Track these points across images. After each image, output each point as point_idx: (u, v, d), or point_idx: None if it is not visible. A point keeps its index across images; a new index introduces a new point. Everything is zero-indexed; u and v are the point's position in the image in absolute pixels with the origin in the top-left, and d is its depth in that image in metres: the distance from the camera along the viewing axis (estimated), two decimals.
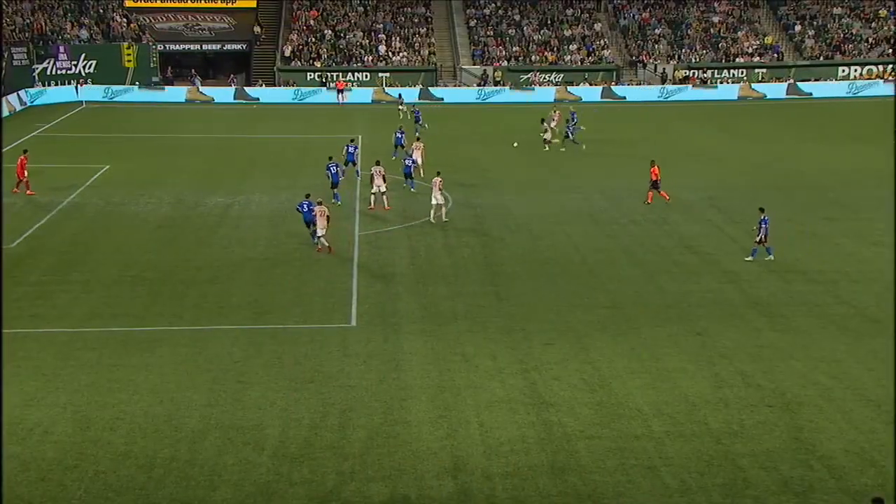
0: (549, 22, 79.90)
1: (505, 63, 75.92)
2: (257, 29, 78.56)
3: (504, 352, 23.75)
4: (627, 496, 17.38)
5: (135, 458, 18.31)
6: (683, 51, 78.16)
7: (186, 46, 79.29)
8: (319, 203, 32.17)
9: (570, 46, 77.77)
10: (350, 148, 42.40)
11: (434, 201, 35.87)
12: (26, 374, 21.91)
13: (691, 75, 76.26)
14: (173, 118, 60.79)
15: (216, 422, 19.82)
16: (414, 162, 40.49)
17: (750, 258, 31.14)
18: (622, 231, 34.98)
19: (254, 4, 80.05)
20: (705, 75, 76.49)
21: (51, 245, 32.67)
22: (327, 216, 31.74)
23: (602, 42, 78.37)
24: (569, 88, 72.31)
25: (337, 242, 33.30)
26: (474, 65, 75.74)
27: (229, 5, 79.36)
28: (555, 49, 77.51)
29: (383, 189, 37.30)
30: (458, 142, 52.36)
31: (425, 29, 78.75)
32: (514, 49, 77.34)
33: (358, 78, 74.08)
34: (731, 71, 77.12)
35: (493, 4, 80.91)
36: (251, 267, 30.63)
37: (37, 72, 67.61)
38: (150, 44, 73.91)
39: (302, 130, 51.16)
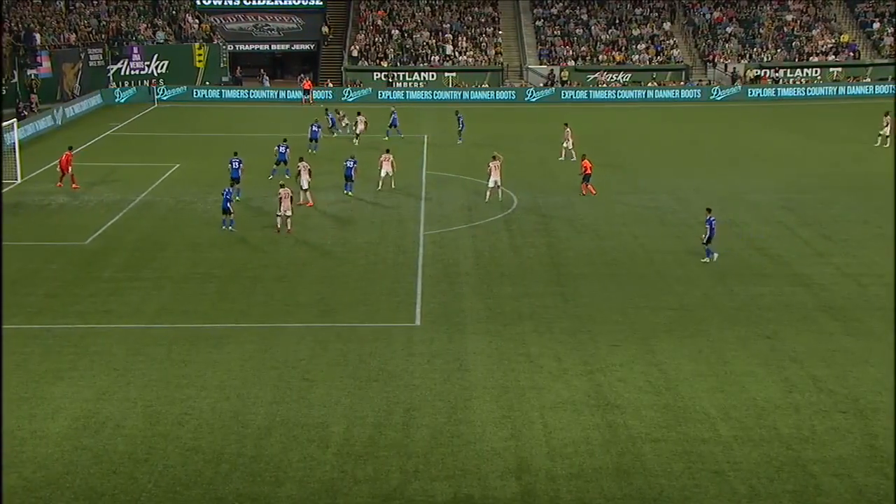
0: (617, 21, 79.26)
1: (572, 63, 75.50)
2: (325, 29, 79.28)
3: (569, 353, 23.63)
4: (694, 501, 17.18)
5: (202, 453, 18.62)
6: (755, 50, 76.91)
7: (255, 46, 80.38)
8: (283, 186, 34.39)
9: (639, 46, 77.06)
10: (281, 148, 42.61)
11: (491, 183, 37.71)
12: (99, 368, 22.42)
13: (763, 75, 75.01)
14: (242, 117, 61.63)
15: (282, 419, 20.05)
16: (355, 163, 39.97)
17: (706, 259, 30.92)
18: (690, 232, 34.56)
19: (322, 4, 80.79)
20: (777, 74, 75.17)
21: (123, 242, 33.37)
22: (291, 197, 33.95)
23: (671, 41, 77.48)
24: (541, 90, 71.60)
25: (402, 242, 33.50)
26: (541, 65, 75.46)
27: (298, 5, 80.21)
28: (623, 49, 76.86)
29: (391, 172, 40.13)
30: (524, 142, 52.20)
31: (492, 29, 78.69)
32: (581, 49, 76.89)
33: (424, 78, 74.32)
34: (805, 70, 75.66)
35: (561, 4, 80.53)
36: (317, 265, 30.93)
37: (111, 72, 69.12)
38: (221, 44, 75.07)
39: (368, 129, 51.46)
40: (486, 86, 72.98)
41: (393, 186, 40.96)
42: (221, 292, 28.28)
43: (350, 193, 39.83)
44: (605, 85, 73.48)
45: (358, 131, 50.95)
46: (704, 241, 31.01)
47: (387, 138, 49.46)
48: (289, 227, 33.91)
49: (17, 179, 41.71)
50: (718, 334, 24.82)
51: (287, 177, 40.84)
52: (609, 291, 28.31)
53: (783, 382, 21.84)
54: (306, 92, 69.72)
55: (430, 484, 17.66)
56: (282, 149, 42.56)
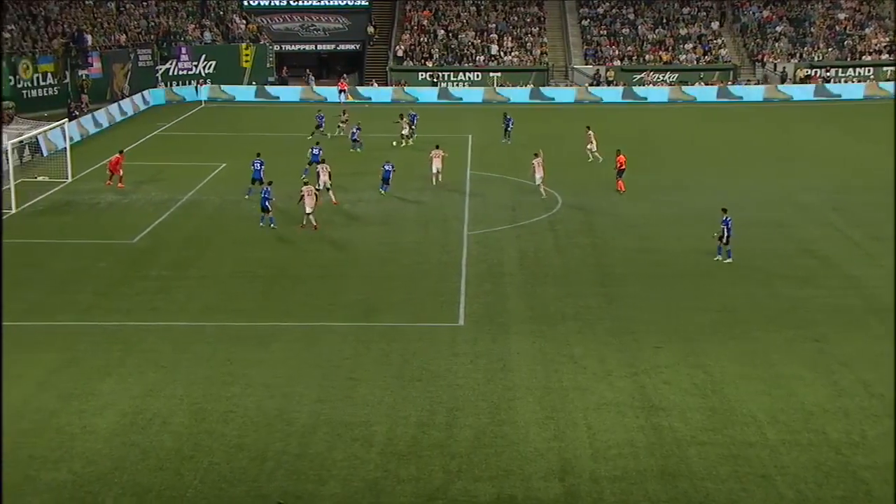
0: (664, 21, 78.61)
1: (618, 63, 75.05)
2: (371, 29, 79.57)
3: (613, 354, 23.51)
4: None
5: (247, 450, 18.80)
6: (805, 49, 75.86)
7: (301, 47, 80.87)
8: (306, 184, 35.38)
9: (686, 45, 76.38)
10: (315, 150, 42.56)
11: (537, 181, 38.70)
12: (146, 365, 22.73)
13: (813, 74, 73.96)
14: (288, 117, 62.04)
15: (326, 417, 20.18)
16: (393, 168, 40.40)
17: (718, 258, 30.79)
18: (738, 233, 34.16)
19: (368, 5, 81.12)
20: (828, 74, 74.08)
21: (170, 241, 33.79)
22: (316, 195, 34.76)
23: (719, 41, 76.70)
24: (590, 89, 70.96)
25: (446, 242, 33.55)
26: (586, 64, 75.10)
27: (344, 5, 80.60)
28: (670, 48, 76.24)
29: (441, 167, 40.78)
30: (567, 142, 51.90)
31: (538, 29, 78.45)
32: (627, 49, 76.40)
33: (469, 78, 74.30)
34: (857, 69, 74.45)
35: (608, 3, 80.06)
36: (361, 265, 31.07)
37: (160, 72, 69.96)
38: (267, 44, 75.66)
39: (442, 129, 51.59)
40: (532, 85, 72.79)
41: (440, 180, 41.47)
42: (266, 291, 28.52)
43: (383, 192, 40.10)
44: (651, 85, 72.95)
45: (404, 133, 50.69)
46: (724, 241, 30.77)
47: (358, 150, 49.19)
48: (314, 224, 34.28)
49: (67, 178, 42.38)
50: (765, 337, 24.55)
51: (304, 177, 41.25)
52: (653, 292, 28.12)
53: (832, 386, 21.55)
54: (341, 92, 70.04)
55: (473, 484, 17.68)
56: (315, 151, 42.81)
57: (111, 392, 21.22)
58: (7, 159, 39.22)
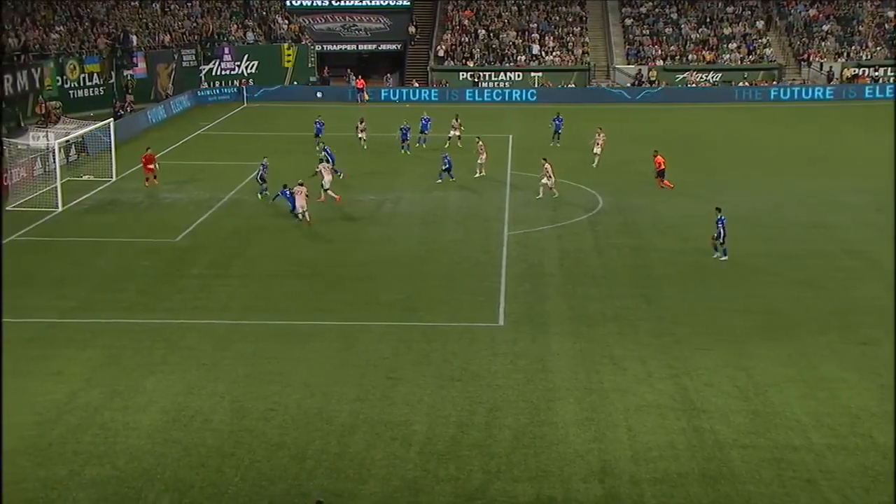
0: (708, 20, 77.90)
1: (660, 62, 74.50)
2: (412, 29, 79.70)
3: (654, 355, 23.35)
4: None
5: (287, 448, 18.90)
6: (853, 48, 74.76)
7: (343, 47, 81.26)
8: (301, 184, 35.49)
9: (730, 45, 75.63)
10: (327, 149, 42.63)
11: (546, 181, 38.91)
12: (188, 363, 22.95)
13: (861, 73, 72.88)
14: (329, 117, 62.33)
15: (365, 416, 20.24)
16: (450, 163, 41.69)
17: (716, 255, 30.73)
18: (780, 235, 33.86)
19: (409, 5, 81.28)
20: (876, 74, 72.94)
21: (212, 239, 34.09)
22: (305, 195, 35.24)
23: (764, 40, 75.83)
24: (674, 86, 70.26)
25: (486, 242, 33.54)
26: (628, 64, 74.65)
27: (385, 5, 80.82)
28: (713, 48, 75.52)
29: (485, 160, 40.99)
30: (609, 142, 51.55)
31: (579, 28, 78.11)
32: (670, 48, 75.81)
33: (510, 77, 74.18)
34: None
35: (651, 3, 79.51)
36: (401, 264, 31.13)
37: (203, 72, 70.61)
38: (309, 44, 76.08)
39: (448, 129, 51.61)
40: (573, 85, 72.51)
41: (483, 173, 42.29)
42: (306, 290, 28.67)
43: (439, 181, 41.14)
44: (694, 85, 72.33)
45: (454, 134, 50.38)
46: (720, 241, 30.63)
47: (407, 152, 49.05)
48: (307, 219, 34.98)
49: (112, 178, 42.91)
50: (809, 339, 24.24)
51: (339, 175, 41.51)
52: (694, 294, 27.89)
53: (878, 390, 21.22)
54: (359, 91, 70.20)
55: (512, 485, 17.65)
56: (327, 150, 43.07)
57: (154, 389, 21.44)
58: (54, 158, 39.80)
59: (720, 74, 73.16)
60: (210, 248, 32.97)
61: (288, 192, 35.90)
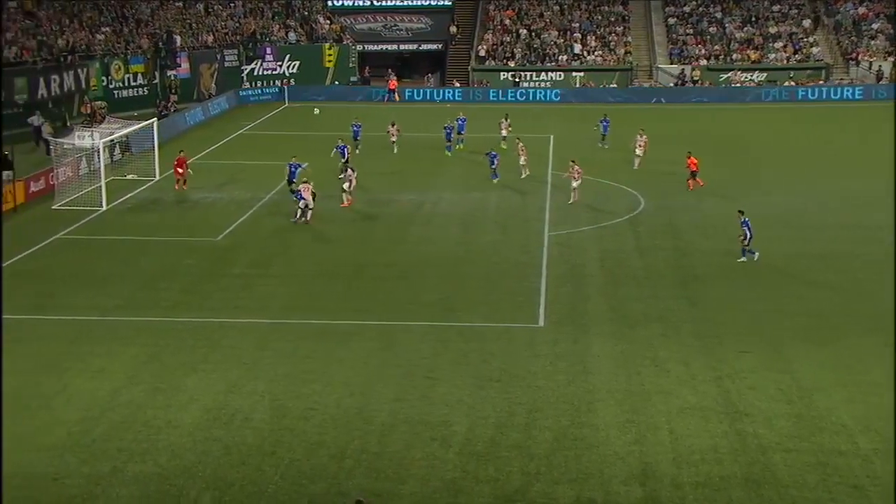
0: (753, 19, 77.07)
1: (704, 62, 73.85)
2: (453, 29, 79.73)
3: (696, 358, 23.15)
4: None
5: (327, 448, 18.98)
6: None
7: (384, 46, 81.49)
8: (305, 181, 35.58)
9: (776, 44, 74.75)
10: (292, 167, 40.54)
11: (575, 184, 38.19)
12: (229, 362, 23.12)
13: None
14: (370, 117, 62.56)
15: (404, 416, 20.27)
16: (497, 157, 42.01)
17: (743, 259, 30.24)
18: (827, 236, 33.41)
19: (450, 4, 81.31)
20: None
21: (253, 239, 34.33)
22: (312, 192, 35.24)
23: (811, 39, 74.83)
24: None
25: (527, 242, 33.46)
26: (671, 64, 74.09)
27: (426, 5, 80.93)
28: (758, 47, 74.70)
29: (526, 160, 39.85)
30: (651, 143, 51.24)
31: (622, 28, 77.68)
32: (714, 47, 75.12)
33: (551, 77, 73.96)
34: None
35: (694, 2, 78.85)
36: (440, 264, 31.14)
37: (245, 72, 71.13)
38: (350, 44, 76.38)
39: (491, 129, 51.52)
40: (615, 85, 72.11)
41: (528, 173, 42.46)
42: (346, 289, 28.78)
43: (496, 180, 41.44)
44: (738, 84, 71.59)
45: (504, 134, 50.00)
46: (746, 243, 30.24)
47: (453, 152, 48.77)
48: (307, 219, 35.09)
49: (155, 177, 43.37)
50: (856, 342, 23.90)
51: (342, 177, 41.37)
52: (738, 296, 27.61)
53: None
54: (391, 91, 70.23)
55: (552, 487, 17.57)
56: (292, 167, 43.09)
57: (195, 387, 21.63)
58: (99, 158, 40.32)
59: (765, 74, 72.32)
60: (251, 248, 33.21)
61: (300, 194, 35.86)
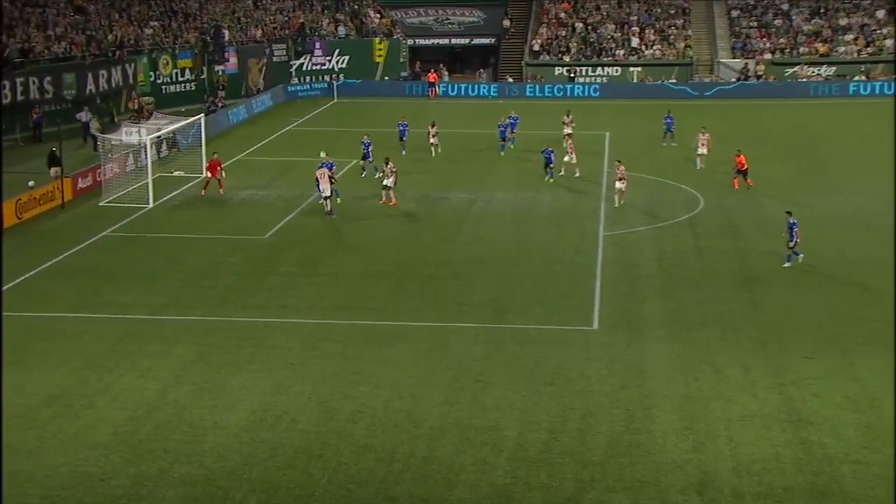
0: (822, 11, 75.84)
1: (768, 56, 72.87)
2: (506, 23, 79.59)
3: (758, 363, 22.89)
4: None
5: (375, 451, 19.06)
6: None
7: (435, 41, 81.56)
8: (320, 167, 35.95)
9: (846, 36, 73.46)
10: (366, 142, 42.80)
11: (620, 186, 37.14)
12: (276, 362, 23.34)
13: None
14: (419, 112, 62.72)
15: (454, 420, 20.29)
16: (552, 152, 41.76)
17: (788, 264, 29.59)
18: (892, 238, 32.76)
19: None
20: None
21: (300, 237, 34.60)
22: (328, 177, 35.71)
23: (884, 31, 73.34)
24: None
25: (581, 242, 33.32)
26: (734, 58, 73.23)
27: None
28: (827, 40, 73.48)
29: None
30: (715, 139, 50.73)
31: (682, 21, 76.95)
32: (779, 41, 74.09)
33: (608, 73, 73.54)
34: None
35: None
36: (492, 265, 31.13)
37: (294, 67, 71.68)
38: (400, 38, 76.63)
39: (546, 126, 51.38)
40: (674, 80, 71.46)
41: (578, 174, 42.15)
42: (395, 289, 28.89)
43: (551, 180, 41.12)
44: (804, 79, 70.51)
45: (566, 132, 49.46)
46: (791, 247, 29.75)
47: (503, 153, 48.39)
48: (328, 209, 35.69)
49: (202, 174, 43.79)
50: None
51: (363, 176, 41.50)
52: (802, 299, 27.24)
53: None
54: (431, 85, 70.17)
55: (606, 495, 17.49)
56: (366, 143, 43.15)
57: (241, 388, 21.86)
58: (146, 154, 40.91)
59: (834, 68, 71.12)
60: (298, 246, 33.48)
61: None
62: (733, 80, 71.29)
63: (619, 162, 38.01)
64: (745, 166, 39.73)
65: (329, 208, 35.86)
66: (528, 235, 34.47)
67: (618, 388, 21.74)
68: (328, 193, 35.88)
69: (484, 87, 71.88)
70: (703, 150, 44.30)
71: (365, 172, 42.71)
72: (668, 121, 50.26)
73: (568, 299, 27.75)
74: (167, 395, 21.44)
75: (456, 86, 72.48)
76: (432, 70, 73.00)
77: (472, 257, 31.95)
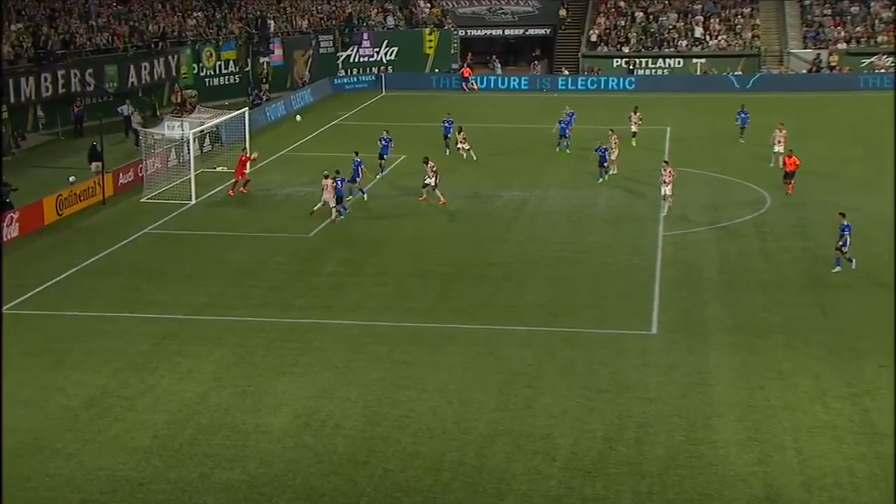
0: None
1: (843, 45, 71.74)
2: (562, 12, 79.36)
3: (828, 372, 22.59)
4: None
5: (422, 458, 19.10)
6: None
7: (488, 31, 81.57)
8: (326, 176, 35.27)
9: None
10: (384, 140, 42.85)
11: (665, 191, 35.80)
12: (320, 365, 23.48)
13: None
14: (471, 106, 62.73)
15: (505, 427, 20.26)
16: (606, 150, 41.31)
17: (837, 269, 29.09)
18: None
19: None
20: None
21: (346, 236, 34.78)
22: (333, 187, 35.14)
23: None
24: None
25: (639, 242, 33.11)
26: (805, 48, 72.24)
27: None
28: None
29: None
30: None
31: (749, 9, 76.12)
32: (855, 29, 72.91)
33: (669, 64, 73.01)
34: None
35: None
36: (546, 265, 31.05)
37: (340, 59, 72.05)
38: (451, 29, 76.67)
39: (604, 121, 51.09)
40: (740, 72, 70.72)
41: (615, 171, 41.79)
42: (444, 291, 28.92)
43: (604, 179, 40.80)
44: (882, 70, 69.30)
45: (634, 129, 49.14)
46: (843, 250, 29.27)
47: (561, 149, 47.88)
48: (333, 217, 35.23)
49: (245, 169, 44.20)
50: None
51: (379, 177, 41.27)
52: (878, 305, 26.81)
53: None
54: (465, 80, 70.02)
55: None
56: (384, 142, 42.96)
57: (285, 391, 22.02)
58: (188, 149, 41.37)
59: None
60: (344, 245, 33.65)
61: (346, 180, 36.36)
62: (804, 71, 70.39)
63: (667, 163, 37.19)
64: (793, 168, 38.40)
65: (334, 216, 35.42)
66: (583, 235, 34.33)
67: (677, 395, 21.56)
68: (333, 203, 35.34)
69: (514, 80, 71.66)
70: (779, 148, 43.14)
71: (384, 172, 42.54)
72: (743, 116, 49.48)
73: (625, 302, 27.59)
74: (209, 398, 21.67)
75: (483, 77, 72.07)
76: (465, 64, 72.96)
77: (525, 257, 31.89)
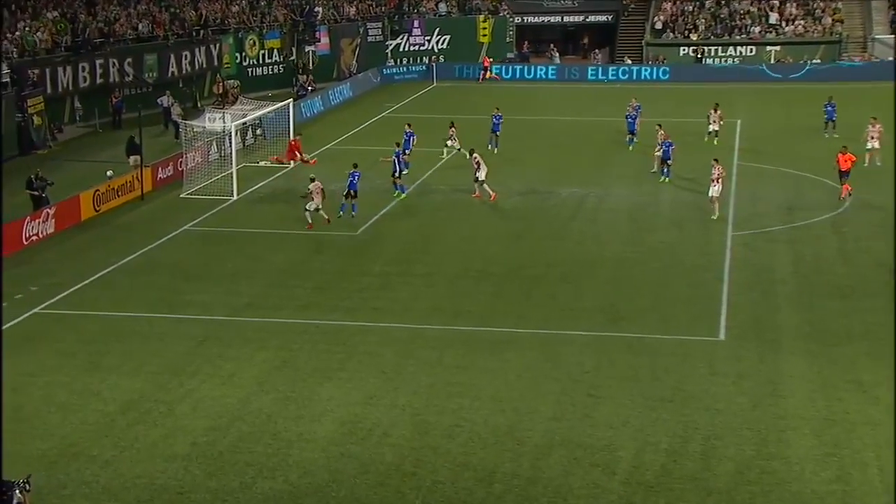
0: None
1: None
2: None
3: None
4: None
5: (474, 470, 19.10)
6: None
7: (545, 18, 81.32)
8: (312, 180, 35.08)
9: None
10: (407, 132, 43.02)
11: (713, 192, 34.91)
12: (367, 370, 23.57)
13: None
14: (528, 97, 62.64)
15: (562, 438, 20.22)
16: (671, 146, 40.42)
17: None
18: None
19: None
20: None
21: (395, 234, 34.90)
22: (320, 191, 34.73)
23: None
24: None
25: (706, 243, 32.83)
26: (893, 33, 71.04)
27: None
28: None
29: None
30: (859, 129, 49.44)
31: None
32: None
33: (741, 52, 72.31)
34: None
35: None
36: (606, 266, 30.93)
37: (390, 48, 72.26)
38: (507, 16, 76.59)
39: (672, 113, 50.76)
40: (819, 60, 69.73)
41: (655, 169, 41.43)
42: (498, 292, 28.90)
43: (667, 179, 40.30)
44: None
45: (713, 129, 47.78)
46: None
47: (633, 146, 47.19)
48: (326, 217, 34.79)
49: (290, 164, 44.56)
50: None
51: (403, 175, 40.79)
52: None
53: None
54: (485, 69, 69.77)
55: None
56: (406, 135, 42.76)
57: (329, 398, 22.13)
58: (230, 142, 41.72)
59: None
60: (393, 243, 33.76)
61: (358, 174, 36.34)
62: (889, 58, 69.29)
63: (717, 161, 35.95)
64: (848, 166, 36.99)
65: (328, 217, 35.05)
66: (646, 235, 34.14)
67: (748, 407, 21.37)
68: (319, 206, 34.79)
69: (541, 70, 71.42)
70: (873, 144, 41.91)
71: (405, 169, 42.43)
72: (830, 108, 48.70)
73: (690, 306, 27.40)
74: (250, 404, 21.84)
75: (511, 67, 71.94)
76: (485, 55, 72.92)
77: (584, 258, 31.78)
